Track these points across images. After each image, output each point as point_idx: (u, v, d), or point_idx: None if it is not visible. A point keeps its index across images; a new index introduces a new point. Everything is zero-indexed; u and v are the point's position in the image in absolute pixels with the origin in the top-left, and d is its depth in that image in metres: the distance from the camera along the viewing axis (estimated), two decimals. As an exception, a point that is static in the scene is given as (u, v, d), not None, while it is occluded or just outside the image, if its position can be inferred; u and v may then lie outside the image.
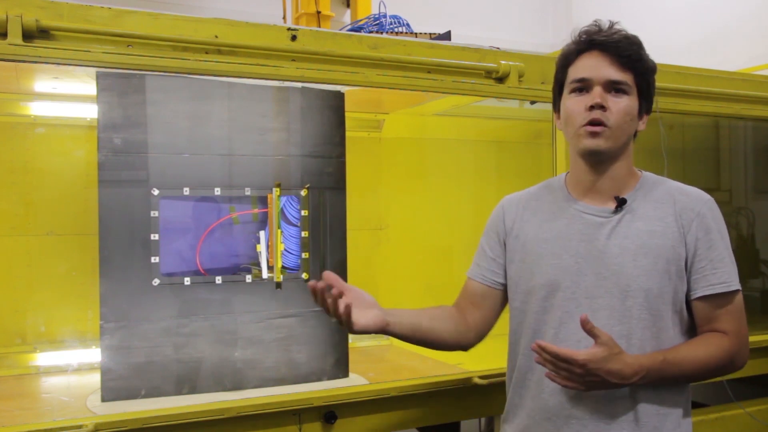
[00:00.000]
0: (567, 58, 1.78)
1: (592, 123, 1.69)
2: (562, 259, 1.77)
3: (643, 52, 1.75)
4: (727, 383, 2.91)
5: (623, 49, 1.70)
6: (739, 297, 1.75)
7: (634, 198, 1.76)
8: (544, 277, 1.79)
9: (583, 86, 1.72)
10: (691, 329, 1.77)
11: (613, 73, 1.70)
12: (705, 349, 1.70)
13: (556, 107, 1.85)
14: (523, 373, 1.84)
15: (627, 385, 1.63)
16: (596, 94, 1.69)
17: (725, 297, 1.72)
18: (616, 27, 1.74)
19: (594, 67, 1.71)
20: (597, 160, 1.75)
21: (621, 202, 1.74)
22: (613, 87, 1.70)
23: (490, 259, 1.94)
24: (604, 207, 1.76)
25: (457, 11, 7.90)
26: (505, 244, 1.92)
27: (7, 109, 3.03)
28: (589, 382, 1.59)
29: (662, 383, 1.69)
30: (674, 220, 1.72)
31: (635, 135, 1.80)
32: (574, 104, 1.73)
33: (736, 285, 1.73)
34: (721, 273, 1.72)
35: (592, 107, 1.69)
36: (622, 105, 1.70)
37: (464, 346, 1.95)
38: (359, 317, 1.67)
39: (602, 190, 1.77)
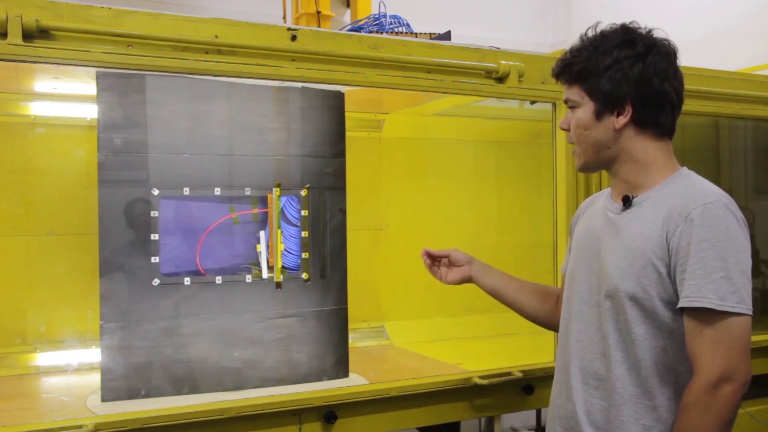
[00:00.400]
0: None
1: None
2: (582, 251, 1.84)
3: (598, 54, 1.71)
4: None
5: (559, 73, 1.80)
6: (719, 319, 1.53)
7: (647, 197, 1.72)
8: (567, 269, 1.91)
9: None
10: (672, 339, 1.65)
11: (565, 93, 1.80)
12: (693, 421, 1.55)
13: None
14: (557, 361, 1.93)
15: None
16: (563, 120, 1.82)
17: (698, 315, 1.55)
18: (583, 38, 1.76)
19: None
20: (597, 171, 1.86)
21: (625, 200, 1.74)
22: (568, 105, 1.80)
23: (568, 252, 2.02)
24: (619, 205, 1.78)
25: (457, 11, 7.90)
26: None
27: (7, 109, 3.03)
28: None
29: None
30: (662, 224, 1.64)
31: (643, 130, 1.72)
32: None
33: (701, 302, 1.53)
34: (688, 285, 1.55)
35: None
36: (574, 120, 1.78)
37: (548, 326, 2.11)
38: (448, 277, 2.15)
39: (619, 192, 1.79)
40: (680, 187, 1.69)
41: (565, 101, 1.80)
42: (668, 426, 1.64)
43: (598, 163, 1.78)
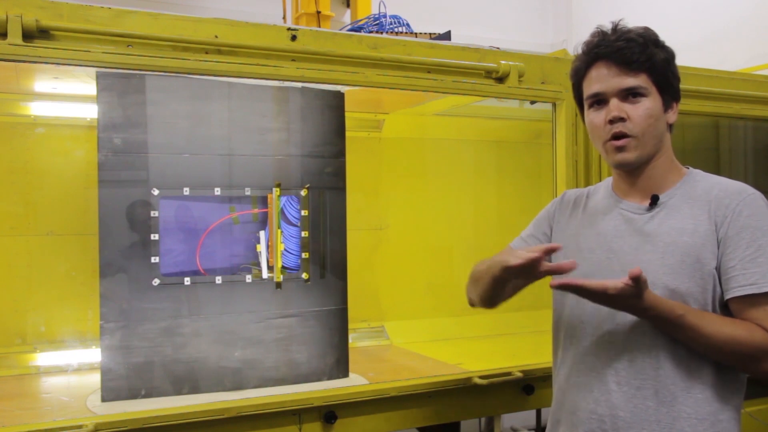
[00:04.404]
0: (578, 74, 1.78)
1: (616, 137, 1.69)
2: (595, 253, 1.77)
3: (653, 46, 1.70)
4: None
5: (628, 56, 1.68)
6: None
7: (673, 195, 1.73)
8: (578, 270, 1.77)
9: (599, 99, 1.72)
10: None
11: (624, 80, 1.68)
12: (733, 326, 1.60)
13: (585, 121, 1.86)
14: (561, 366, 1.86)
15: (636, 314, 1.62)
16: (613, 107, 1.68)
17: (760, 299, 1.60)
18: (620, 29, 1.71)
19: (604, 78, 1.70)
20: (631, 168, 1.75)
21: (654, 200, 1.73)
22: (629, 93, 1.69)
23: (532, 236, 1.97)
24: (642, 204, 1.76)
25: (457, 11, 7.91)
26: (551, 229, 1.95)
27: (7, 109, 3.03)
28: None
29: (677, 337, 1.62)
30: (708, 217, 1.66)
31: (671, 128, 1.77)
32: (594, 118, 1.74)
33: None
34: (752, 274, 1.60)
35: (612, 121, 1.69)
36: (642, 110, 1.68)
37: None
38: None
39: (642, 189, 1.76)
40: (707, 183, 1.73)
41: (630, 89, 1.69)
42: (719, 415, 1.65)
43: (649, 156, 1.73)
